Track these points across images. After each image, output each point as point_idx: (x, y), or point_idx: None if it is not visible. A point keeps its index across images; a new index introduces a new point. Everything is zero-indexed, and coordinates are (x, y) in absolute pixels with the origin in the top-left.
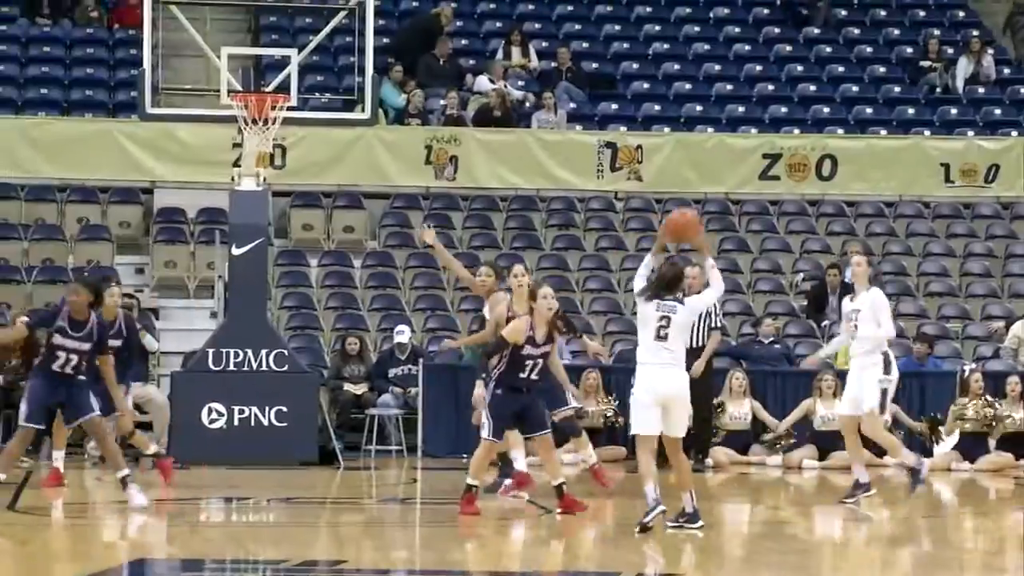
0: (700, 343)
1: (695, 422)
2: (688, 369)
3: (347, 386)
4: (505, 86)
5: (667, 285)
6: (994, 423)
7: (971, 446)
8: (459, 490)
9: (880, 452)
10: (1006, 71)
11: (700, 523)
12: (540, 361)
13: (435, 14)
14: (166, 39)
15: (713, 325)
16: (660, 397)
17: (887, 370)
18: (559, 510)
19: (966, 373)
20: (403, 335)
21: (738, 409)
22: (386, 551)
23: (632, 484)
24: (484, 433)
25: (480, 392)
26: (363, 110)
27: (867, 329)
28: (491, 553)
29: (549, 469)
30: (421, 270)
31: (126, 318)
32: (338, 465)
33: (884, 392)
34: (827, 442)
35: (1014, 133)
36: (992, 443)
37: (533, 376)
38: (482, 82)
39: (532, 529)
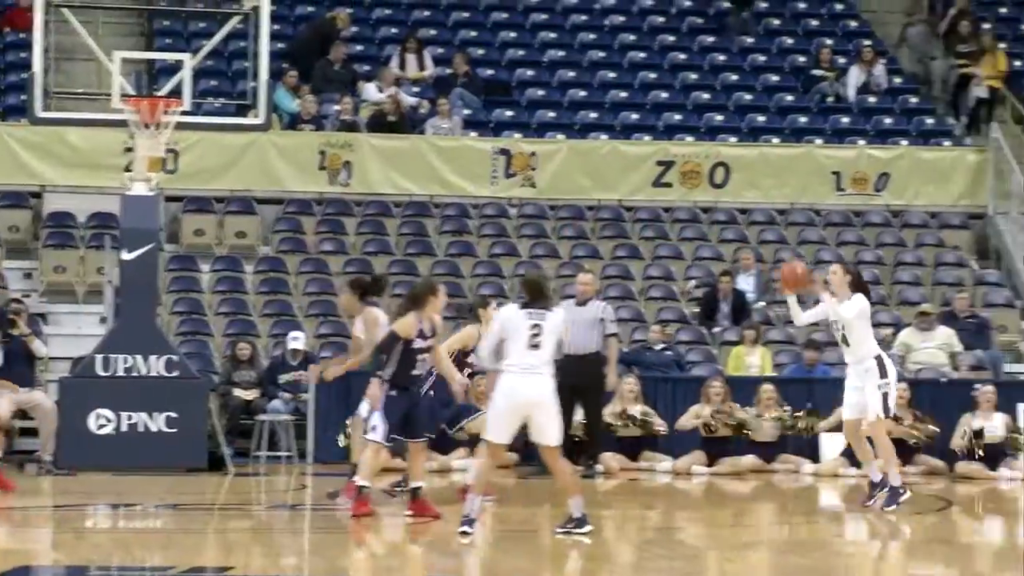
0: (595, 347)
1: (587, 427)
2: (553, 376)
3: (237, 392)
4: (397, 93)
5: (532, 293)
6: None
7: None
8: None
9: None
10: (896, 80)
11: (588, 528)
12: (427, 355)
13: (331, 18)
14: (58, 43)
15: (607, 332)
16: (519, 404)
17: (883, 374)
18: (409, 512)
19: None
20: (298, 341)
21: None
22: (274, 557)
23: (521, 490)
24: (376, 437)
25: (375, 391)
26: (256, 115)
27: (855, 337)
28: (380, 560)
29: (413, 473)
30: (313, 276)
31: None
32: (227, 471)
33: (885, 396)
34: (715, 448)
35: (904, 142)
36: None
37: (421, 372)
38: (370, 90)
39: (423, 535)
